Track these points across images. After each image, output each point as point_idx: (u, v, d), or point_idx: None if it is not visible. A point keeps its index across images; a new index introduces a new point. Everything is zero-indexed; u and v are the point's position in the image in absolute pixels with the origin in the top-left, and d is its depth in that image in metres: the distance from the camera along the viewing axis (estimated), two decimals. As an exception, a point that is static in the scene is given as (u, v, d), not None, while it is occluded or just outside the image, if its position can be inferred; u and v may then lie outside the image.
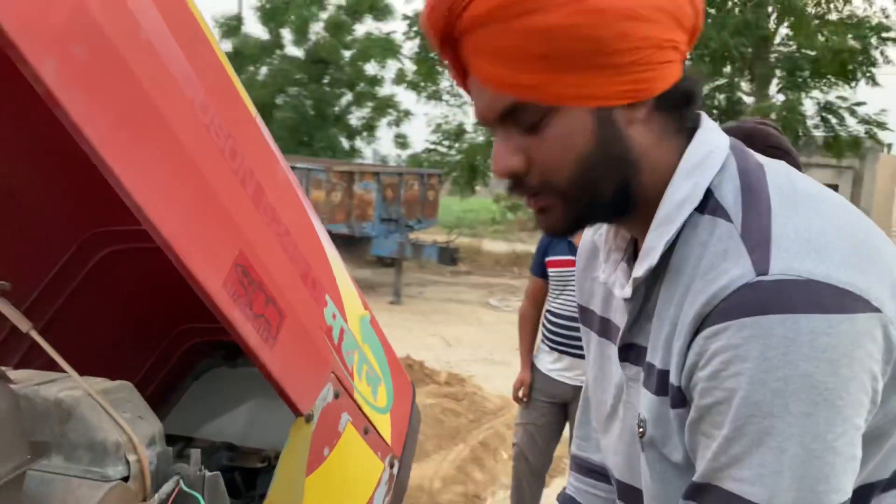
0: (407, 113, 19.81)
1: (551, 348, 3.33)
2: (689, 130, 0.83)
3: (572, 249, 3.19)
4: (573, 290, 3.17)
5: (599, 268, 0.98)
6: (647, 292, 0.87)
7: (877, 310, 0.71)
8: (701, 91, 0.84)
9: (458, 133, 14.66)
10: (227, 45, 19.56)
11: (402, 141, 20.12)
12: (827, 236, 0.73)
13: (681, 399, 0.79)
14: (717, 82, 12.02)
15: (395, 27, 18.05)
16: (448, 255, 10.00)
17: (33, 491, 1.21)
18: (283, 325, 1.43)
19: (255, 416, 2.23)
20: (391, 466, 1.90)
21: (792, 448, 0.69)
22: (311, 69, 19.18)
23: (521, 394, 3.39)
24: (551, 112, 0.77)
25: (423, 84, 13.99)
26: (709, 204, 0.79)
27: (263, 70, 19.63)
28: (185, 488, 1.32)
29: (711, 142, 0.83)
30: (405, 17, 14.44)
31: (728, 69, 12.51)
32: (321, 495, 1.61)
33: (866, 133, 12.60)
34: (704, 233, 0.78)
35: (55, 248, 1.81)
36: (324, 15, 19.16)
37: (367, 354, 1.83)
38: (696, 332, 0.74)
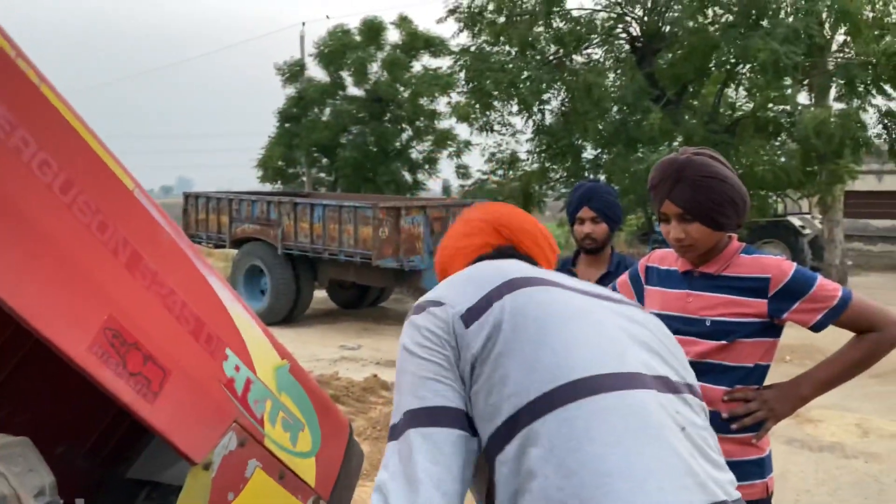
0: (467, 144, 20.02)
1: None
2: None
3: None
4: None
5: None
6: None
7: (443, 305, 1.23)
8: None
9: (512, 161, 14.72)
10: (290, 90, 20.39)
11: (463, 171, 20.32)
12: (451, 280, 1.32)
13: None
14: (773, 94, 11.69)
15: (442, 63, 18.30)
16: (496, 285, 9.98)
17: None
18: (166, 380, 1.54)
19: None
20: (315, 508, 1.97)
21: (399, 377, 1.23)
22: (372, 107, 19.70)
23: None
24: None
25: (474, 116, 14.17)
26: None
27: (327, 111, 20.29)
28: (66, 536, 1.44)
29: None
30: (451, 53, 14.71)
31: (788, 81, 12.14)
32: (228, 538, 1.70)
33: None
34: None
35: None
36: (381, 55, 19.69)
37: (285, 402, 1.92)
38: None
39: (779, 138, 12.68)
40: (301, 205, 10.77)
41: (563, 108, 13.41)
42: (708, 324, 2.04)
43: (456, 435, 1.13)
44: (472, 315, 1.20)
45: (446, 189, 21.96)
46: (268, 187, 20.20)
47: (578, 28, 12.97)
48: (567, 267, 3.31)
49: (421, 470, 1.09)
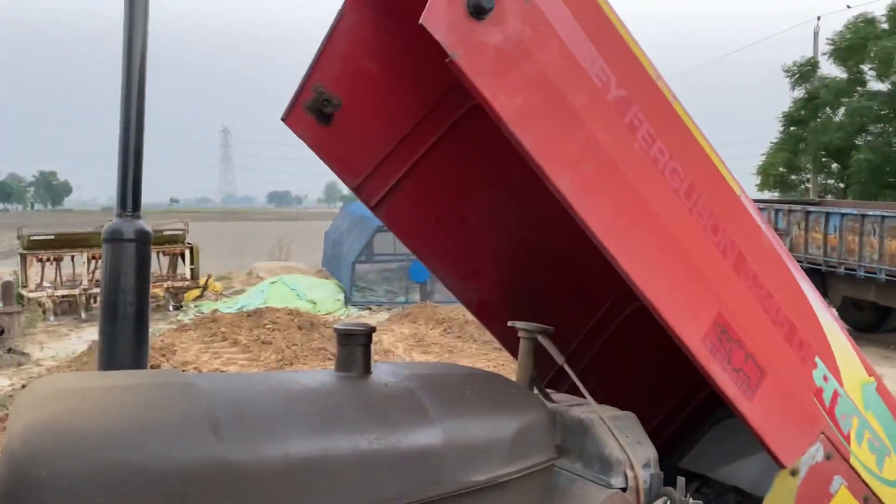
0: None
1: None
2: None
3: None
4: None
5: None
6: None
7: None
8: None
9: None
10: (798, 92, 19.00)
11: None
12: None
13: None
14: None
15: None
16: None
17: (559, 483, 1.65)
18: (763, 380, 1.59)
19: (767, 469, 2.33)
20: (900, 544, 1.78)
21: None
22: (899, 103, 17.14)
23: None
24: None
25: None
26: None
27: (841, 111, 18.36)
28: (671, 508, 1.59)
29: None
30: None
31: None
32: (809, 550, 1.67)
33: None
34: None
35: (594, 303, 2.30)
36: (915, 40, 16.95)
37: (871, 422, 1.79)
38: None
39: None
40: (814, 213, 9.94)
41: None
42: None
43: None
44: None
45: None
46: (765, 196, 19.18)
47: None
48: None
49: None
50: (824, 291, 10.26)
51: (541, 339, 1.84)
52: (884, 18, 17.32)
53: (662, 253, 1.48)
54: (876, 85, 17.83)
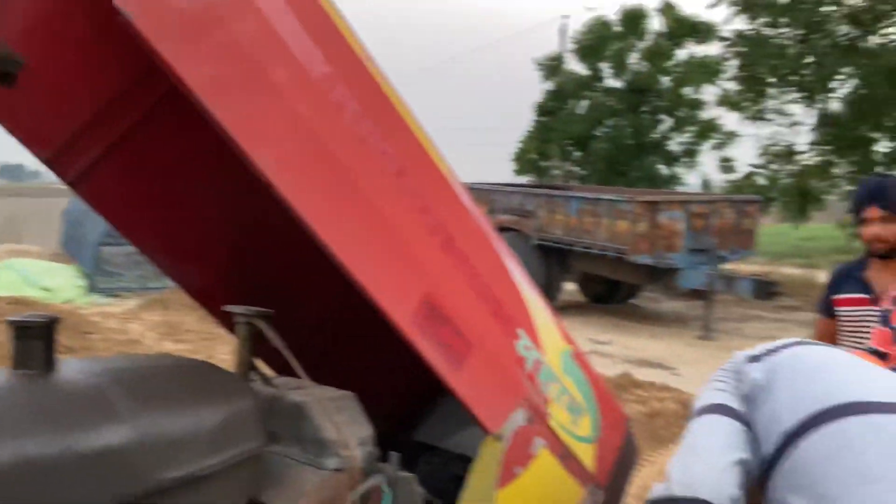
0: (732, 135, 18.80)
1: None
2: None
3: (864, 287, 2.88)
4: (865, 333, 2.84)
5: None
6: None
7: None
8: None
9: (788, 154, 13.47)
10: (548, 85, 20.65)
11: (727, 165, 19.12)
12: None
13: None
14: None
15: (713, 49, 17.37)
16: (763, 289, 9.25)
17: (274, 469, 1.61)
18: (469, 353, 1.66)
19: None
20: (592, 494, 1.99)
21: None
22: (630, 99, 19.27)
23: None
24: None
25: (745, 104, 13.18)
26: None
27: (584, 104, 20.25)
28: (383, 486, 1.61)
29: None
30: (722, 39, 13.80)
31: None
32: (513, 510, 1.79)
33: None
34: None
35: (323, 285, 2.27)
36: (642, 44, 19.18)
37: (569, 386, 1.96)
38: None
39: None
40: (556, 197, 10.87)
41: (854, 96, 11.95)
42: None
43: (730, 422, 1.26)
44: (755, 359, 1.37)
45: (706, 184, 20.80)
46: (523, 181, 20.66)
47: (881, 5, 11.45)
48: (854, 274, 2.96)
49: (697, 438, 1.25)
50: (566, 267, 11.30)
51: (258, 323, 1.77)
52: (618, 21, 19.36)
53: (369, 232, 1.48)
54: (613, 82, 19.91)
